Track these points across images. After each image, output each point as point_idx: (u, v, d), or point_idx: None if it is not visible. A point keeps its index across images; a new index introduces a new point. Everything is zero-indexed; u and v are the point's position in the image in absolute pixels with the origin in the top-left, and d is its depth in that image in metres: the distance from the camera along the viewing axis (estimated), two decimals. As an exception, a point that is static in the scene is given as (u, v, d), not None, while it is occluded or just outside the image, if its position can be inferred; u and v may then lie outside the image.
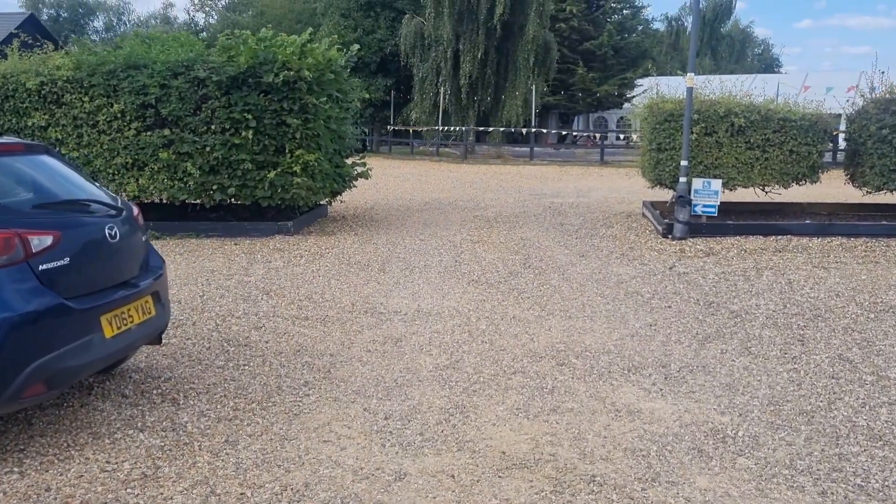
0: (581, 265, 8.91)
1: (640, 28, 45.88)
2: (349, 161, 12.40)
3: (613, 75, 41.38)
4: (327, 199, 12.11)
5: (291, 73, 9.92)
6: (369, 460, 3.83)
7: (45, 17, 63.03)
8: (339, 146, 11.69)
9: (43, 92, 10.47)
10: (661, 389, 4.82)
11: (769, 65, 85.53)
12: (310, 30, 10.88)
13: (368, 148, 37.04)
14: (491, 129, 31.79)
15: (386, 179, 20.42)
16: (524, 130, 31.12)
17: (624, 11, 45.27)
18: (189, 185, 10.34)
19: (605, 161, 27.47)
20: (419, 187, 18.33)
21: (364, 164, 12.31)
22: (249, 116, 9.97)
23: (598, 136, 35.33)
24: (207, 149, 10.15)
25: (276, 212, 11.07)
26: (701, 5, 74.58)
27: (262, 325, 6.44)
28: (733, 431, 4.14)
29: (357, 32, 33.03)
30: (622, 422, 4.30)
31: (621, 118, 50.70)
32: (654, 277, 8.27)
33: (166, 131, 10.18)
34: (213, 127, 10.15)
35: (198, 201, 10.68)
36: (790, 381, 4.96)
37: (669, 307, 7.04)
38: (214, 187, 10.28)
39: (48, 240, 3.82)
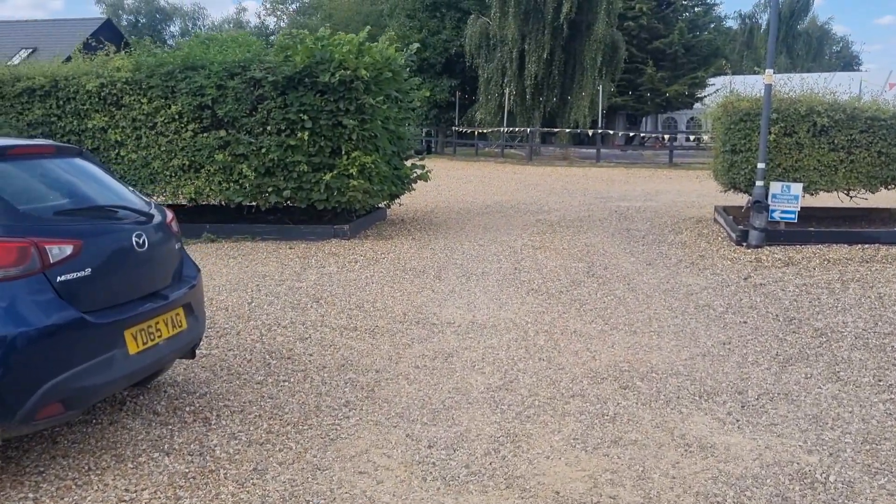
0: (648, 274, 8.40)
1: (711, 25, 44.53)
2: (409, 163, 12.09)
3: (684, 74, 40.26)
4: (385, 203, 11.83)
5: (348, 72, 9.64)
6: (407, 497, 3.46)
7: (124, 22, 64.93)
8: (397, 147, 11.39)
9: (103, 94, 10.43)
10: (737, 420, 4.32)
11: (848, 63, 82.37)
12: (367, 28, 10.60)
13: (433, 149, 36.91)
14: (557, 130, 31.21)
15: (448, 181, 20.09)
16: (590, 132, 30.43)
17: (695, 9, 44.03)
18: (245, 188, 10.16)
19: (673, 163, 26.63)
20: (481, 189, 17.94)
21: (423, 167, 11.97)
22: (305, 117, 9.74)
23: (666, 137, 34.26)
24: (263, 150, 9.95)
25: (332, 215, 10.82)
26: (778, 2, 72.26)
27: (309, 335, 6.14)
28: (823, 475, 3.62)
29: (422, 33, 32.83)
30: (693, 459, 3.83)
31: (691, 119, 49.44)
32: (728, 289, 7.70)
33: (222, 132, 10.02)
34: (268, 128, 9.95)
35: (253, 204, 10.48)
36: (887, 415, 4.40)
37: (745, 323, 6.50)
38: (270, 189, 10.08)
39: (68, 249, 3.56)
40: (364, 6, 53.30)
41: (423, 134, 38.53)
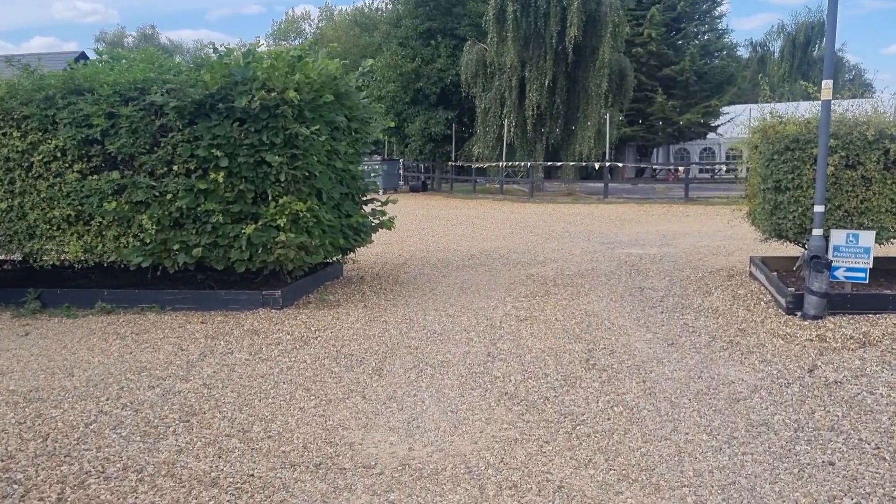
0: (671, 363, 6.02)
1: (724, 52, 42.46)
2: (368, 208, 9.81)
3: (696, 103, 38.17)
4: (337, 258, 9.52)
5: (273, 94, 7.40)
6: None
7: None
8: (350, 189, 9.11)
9: (-32, 127, 8.22)
10: None
11: (861, 92, 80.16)
12: (308, 41, 8.37)
13: (429, 186, 34.71)
14: (560, 163, 28.94)
15: (435, 224, 17.83)
16: (597, 164, 28.16)
17: (706, 35, 42.04)
18: (146, 244, 7.87)
19: (690, 197, 24.28)
20: (470, 234, 15.62)
21: (384, 213, 9.65)
22: (219, 153, 7.47)
23: (680, 169, 31.86)
24: (168, 196, 7.68)
25: (268, 275, 8.53)
26: (790, 28, 70.39)
27: (133, 500, 3.81)
28: None
29: (416, 62, 30.86)
30: None
31: (705, 149, 47.33)
32: (789, 390, 5.32)
33: (115, 174, 7.76)
34: (174, 168, 7.69)
35: (160, 264, 8.17)
36: None
37: (832, 464, 4.13)
38: (177, 246, 7.77)
39: None
40: (362, 39, 51.78)
41: (421, 170, 36.42)
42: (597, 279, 9.72)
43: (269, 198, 7.68)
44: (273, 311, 7.97)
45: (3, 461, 4.32)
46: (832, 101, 7.19)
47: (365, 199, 9.82)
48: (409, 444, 4.52)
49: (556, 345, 6.63)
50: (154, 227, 7.72)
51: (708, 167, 40.49)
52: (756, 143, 8.61)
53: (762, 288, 8.53)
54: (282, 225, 7.59)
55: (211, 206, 7.61)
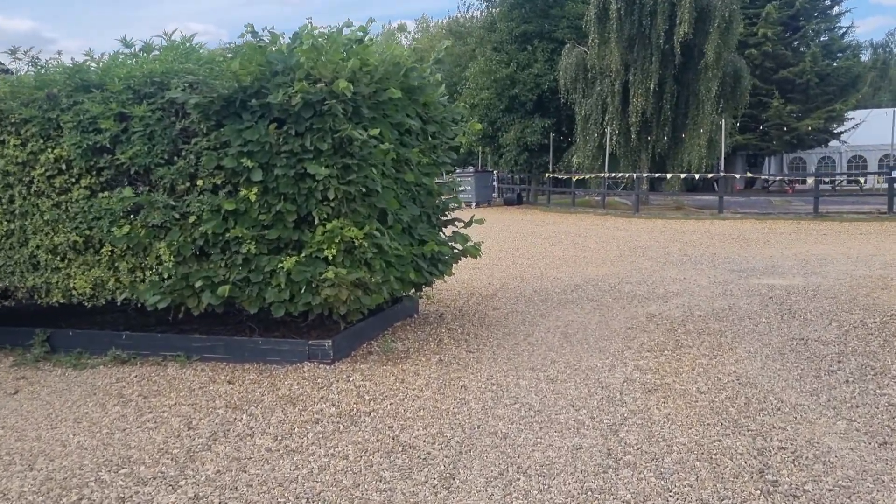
0: (891, 483, 3.89)
1: (847, 52, 38.84)
2: (448, 230, 7.95)
3: (818, 107, 34.86)
4: (413, 291, 7.67)
5: (319, 86, 5.63)
6: None
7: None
8: (425, 207, 7.27)
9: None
10: None
11: None
12: (370, 19, 6.60)
13: (525, 199, 32.74)
14: (670, 175, 26.42)
15: (531, 242, 15.84)
16: (710, 175, 25.54)
17: (826, 35, 38.57)
18: (163, 279, 6.21)
19: (819, 213, 21.47)
20: (572, 256, 13.55)
21: (467, 238, 7.73)
22: (251, 164, 5.76)
23: (809, 180, 28.66)
24: (191, 219, 6.01)
25: (320, 317, 6.76)
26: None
27: None
28: None
29: (511, 67, 28.98)
30: None
31: (823, 158, 43.64)
32: None
33: (128, 191, 6.14)
34: (198, 183, 6.02)
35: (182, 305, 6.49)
36: None
37: None
38: (199, 283, 6.08)
39: None
40: (455, 48, 50.39)
41: (516, 182, 34.48)
42: (740, 324, 7.55)
43: (315, 221, 5.90)
44: (321, 365, 6.19)
45: None
46: None
47: (445, 219, 7.96)
48: None
49: (707, 438, 4.57)
50: (172, 258, 6.05)
51: (828, 178, 36.95)
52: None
53: (985, 346, 6.21)
54: (331, 257, 5.79)
55: (241, 231, 5.89)
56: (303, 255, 5.87)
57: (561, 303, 8.88)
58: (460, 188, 29.80)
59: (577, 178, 28.40)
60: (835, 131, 37.12)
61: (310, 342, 6.26)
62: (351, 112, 5.83)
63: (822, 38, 38.31)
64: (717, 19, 24.01)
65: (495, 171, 34.70)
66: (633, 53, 25.47)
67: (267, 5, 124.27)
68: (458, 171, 34.02)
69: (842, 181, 38.11)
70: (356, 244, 5.88)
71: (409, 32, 74.93)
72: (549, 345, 6.86)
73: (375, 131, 5.74)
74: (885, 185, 33.99)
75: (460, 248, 7.67)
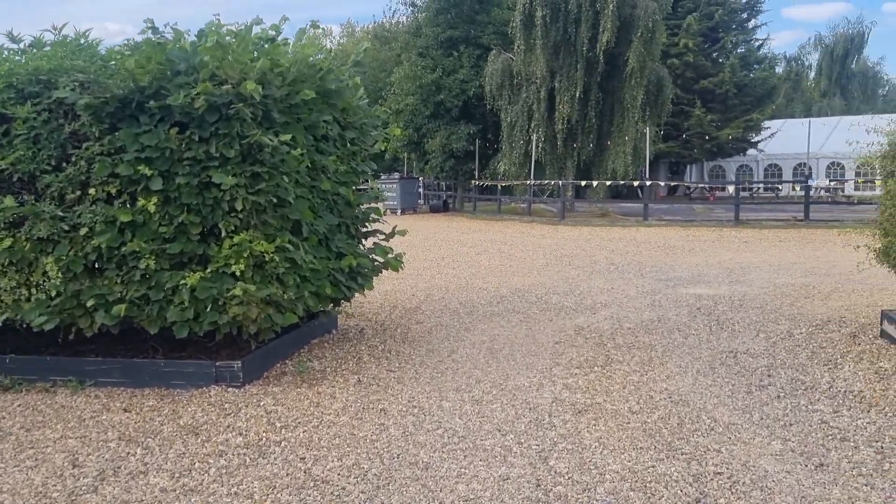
0: (841, 515, 3.69)
1: (764, 63, 39.93)
2: (369, 242, 7.55)
3: (737, 117, 35.69)
4: (331, 306, 7.23)
5: (225, 87, 5.18)
6: None
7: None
8: (343, 218, 6.86)
9: None
10: None
11: (894, 108, 77.10)
12: (283, 17, 6.16)
13: (451, 206, 32.51)
14: (595, 182, 26.54)
15: (457, 251, 15.55)
16: (636, 183, 25.77)
17: (745, 45, 39.58)
18: (51, 297, 5.64)
19: (740, 220, 21.81)
20: (499, 265, 13.30)
21: (387, 251, 7.34)
22: (150, 171, 5.26)
23: (730, 188, 29.08)
24: (82, 231, 5.47)
25: (232, 335, 6.27)
26: (828, 40, 67.60)
27: None
28: None
29: (436, 73, 28.69)
30: None
31: (741, 166, 44.80)
32: None
33: (9, 200, 5.55)
34: (91, 192, 5.49)
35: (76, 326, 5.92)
36: None
37: None
38: (92, 302, 5.53)
39: None
40: (381, 53, 49.95)
41: (443, 188, 34.25)
42: (669, 336, 7.37)
43: (222, 234, 5.44)
44: (230, 389, 5.72)
45: None
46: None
47: (365, 230, 7.56)
48: None
49: (641, 464, 4.29)
50: (61, 274, 5.49)
51: (748, 186, 37.86)
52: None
53: (912, 358, 6.15)
54: (239, 272, 5.34)
55: (139, 245, 5.38)
56: (208, 270, 5.40)
57: (487, 315, 8.58)
58: (387, 194, 29.19)
59: (503, 185, 28.30)
60: (752, 140, 38.08)
61: (217, 363, 5.78)
62: (261, 116, 5.40)
63: (739, 50, 39.30)
64: (640, 29, 24.23)
65: (421, 178, 34.39)
66: (559, 60, 25.52)
67: (191, 7, 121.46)
68: (383, 177, 33.58)
69: (759, 188, 39.14)
70: (267, 258, 5.44)
71: (335, 37, 73.88)
72: (475, 362, 6.54)
73: (287, 137, 5.31)
74: (801, 193, 35.07)
75: (381, 260, 7.28)
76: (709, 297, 9.52)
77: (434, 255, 14.83)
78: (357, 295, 7.36)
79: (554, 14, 24.77)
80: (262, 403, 5.39)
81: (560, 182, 26.32)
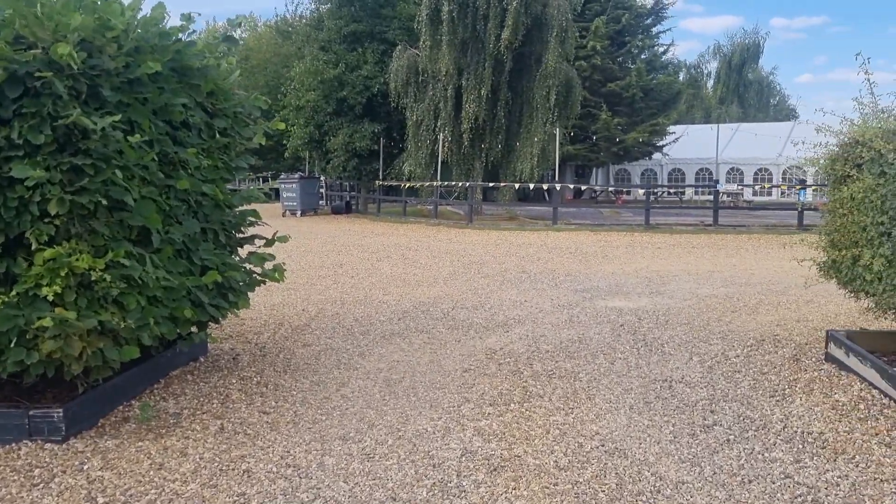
0: None
1: (670, 67, 40.24)
2: (243, 251, 6.33)
3: (643, 121, 35.70)
4: (196, 330, 5.97)
5: (32, 52, 3.92)
6: None
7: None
8: (212, 224, 5.64)
9: None
10: None
11: (785, 116, 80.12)
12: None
13: (354, 208, 31.26)
14: (503, 184, 25.74)
15: (357, 256, 14.38)
16: (545, 186, 25.13)
17: (650, 49, 39.80)
18: None
19: (650, 224, 21.40)
20: (402, 273, 12.20)
21: (271, 256, 6.15)
22: (-69, 163, 3.94)
23: (640, 192, 28.80)
24: None
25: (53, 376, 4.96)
26: (726, 49, 69.41)
27: None
28: None
29: (339, 68, 27.35)
30: None
31: (646, 170, 45.19)
32: None
33: None
34: None
35: None
36: None
37: None
38: None
39: None
40: (283, 48, 48.18)
41: (346, 189, 32.93)
42: (594, 362, 6.43)
43: (33, 246, 4.15)
44: (48, 445, 4.42)
45: None
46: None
47: (242, 236, 6.34)
48: None
49: (577, 552, 3.29)
50: None
51: (657, 191, 38.01)
52: (853, 158, 5.48)
53: (870, 387, 5.37)
54: (52, 295, 4.07)
55: (-81, 260, 4.05)
56: (13, 293, 4.11)
57: (386, 335, 7.47)
58: (286, 195, 27.57)
59: (408, 185, 27.24)
60: (658, 144, 38.24)
61: (31, 412, 4.48)
62: (86, 93, 4.14)
63: (643, 56, 39.48)
64: (555, 28, 23.57)
65: (323, 178, 32.96)
66: (467, 58, 24.62)
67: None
68: (283, 176, 31.99)
69: (663, 193, 39.40)
70: (94, 277, 4.18)
71: (238, 32, 71.25)
72: (368, 398, 5.42)
73: (115, 118, 4.06)
74: (703, 198, 35.36)
75: (259, 272, 6.08)
76: (630, 311, 8.69)
77: (331, 262, 13.62)
78: (236, 312, 6.14)
79: (461, 10, 23.85)
80: (85, 468, 4.14)
81: (467, 184, 25.43)
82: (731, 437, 4.64)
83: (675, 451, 4.40)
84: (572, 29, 25.11)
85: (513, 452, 4.39)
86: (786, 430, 4.74)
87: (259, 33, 63.25)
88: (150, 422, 4.85)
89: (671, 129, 38.83)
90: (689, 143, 42.76)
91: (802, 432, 4.68)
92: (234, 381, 5.80)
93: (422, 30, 24.64)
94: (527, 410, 5.13)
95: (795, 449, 4.42)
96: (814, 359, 6.30)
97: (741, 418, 4.97)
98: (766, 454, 4.36)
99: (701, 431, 4.74)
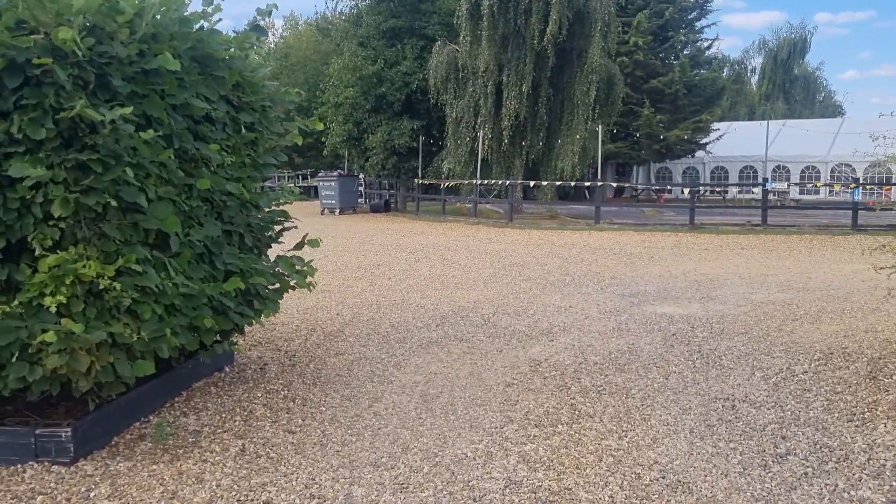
0: None
1: (714, 63, 39.23)
2: (273, 257, 5.94)
3: (686, 118, 34.80)
4: (222, 339, 5.60)
5: (34, 38, 3.55)
6: None
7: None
8: (237, 226, 5.26)
9: None
10: None
11: (832, 112, 78.11)
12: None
13: (393, 206, 30.91)
14: (544, 182, 25.16)
15: (395, 257, 13.99)
16: (588, 184, 24.51)
17: (689, 47, 38.82)
18: None
19: (695, 224, 20.70)
20: (441, 275, 11.77)
21: (300, 260, 5.76)
22: (-73, 161, 3.60)
23: (686, 190, 27.94)
24: None
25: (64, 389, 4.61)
26: (772, 44, 67.83)
27: None
28: None
29: (378, 64, 26.99)
30: None
31: (688, 168, 44.16)
32: None
33: None
34: None
35: None
36: None
37: None
38: None
39: None
40: (323, 45, 48.15)
41: (385, 187, 32.62)
42: (647, 376, 5.93)
43: (36, 252, 3.79)
44: (55, 468, 4.07)
45: None
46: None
47: (270, 235, 5.96)
48: None
49: None
50: None
51: (703, 189, 37.06)
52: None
53: (965, 415, 4.81)
54: (57, 307, 3.71)
55: (-85, 266, 3.71)
56: (15, 302, 3.75)
57: (423, 344, 7.04)
58: (325, 193, 27.36)
59: (447, 184, 26.81)
60: (701, 142, 37.31)
61: (38, 431, 4.13)
62: (94, 82, 3.77)
63: (686, 51, 38.56)
64: (598, 22, 22.97)
65: (361, 176, 32.68)
66: (507, 53, 24.10)
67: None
68: (321, 174, 31.79)
69: (706, 192, 38.44)
70: (103, 285, 3.81)
71: (277, 30, 71.50)
72: (403, 416, 5.00)
73: (127, 110, 3.68)
74: (747, 197, 34.39)
75: (291, 276, 5.69)
76: (682, 318, 8.16)
77: (369, 262, 13.25)
78: (261, 321, 5.76)
79: (502, 4, 23.34)
80: (91, 496, 3.77)
81: (507, 182, 24.92)
82: (809, 469, 4.12)
83: (747, 487, 3.90)
84: (615, 23, 24.49)
85: (562, 484, 3.92)
86: (871, 462, 4.21)
87: (300, 31, 63.41)
88: (168, 440, 4.48)
89: (714, 125, 37.85)
90: (732, 141, 41.69)
91: (893, 466, 4.14)
92: (260, 395, 5.42)
93: (461, 25, 24.21)
94: (576, 433, 4.66)
95: (887, 487, 3.89)
96: (893, 376, 5.73)
97: (818, 447, 4.44)
98: (853, 492, 3.84)
99: (773, 462, 4.22)
